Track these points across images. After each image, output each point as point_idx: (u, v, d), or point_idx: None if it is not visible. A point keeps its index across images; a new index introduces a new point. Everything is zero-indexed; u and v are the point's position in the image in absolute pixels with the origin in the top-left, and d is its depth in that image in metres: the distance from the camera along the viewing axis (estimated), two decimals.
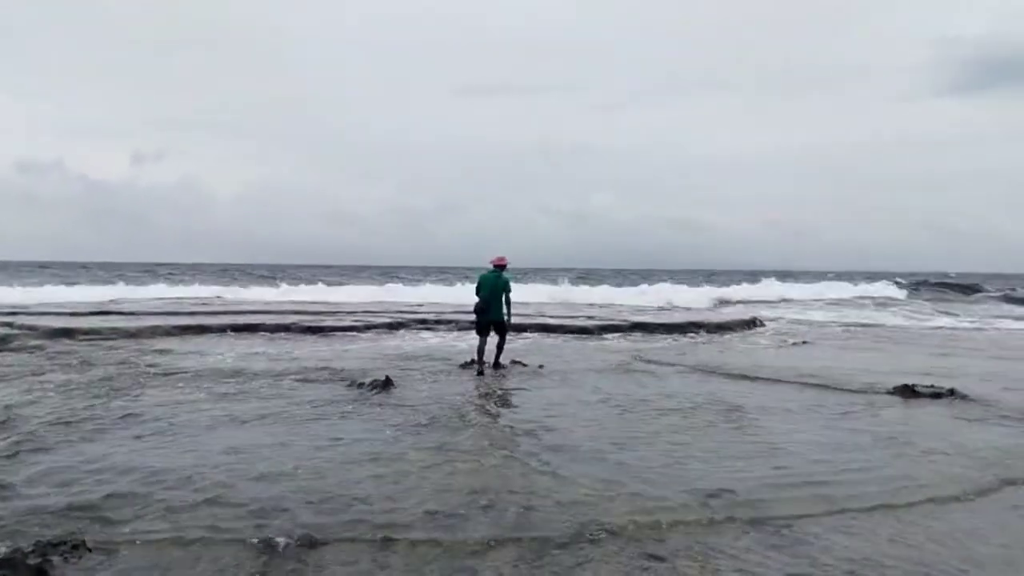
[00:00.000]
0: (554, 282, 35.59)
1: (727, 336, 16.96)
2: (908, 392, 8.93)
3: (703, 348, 14.30)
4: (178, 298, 25.48)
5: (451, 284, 35.73)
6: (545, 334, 16.05)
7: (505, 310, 10.82)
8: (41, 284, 28.99)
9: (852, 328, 20.59)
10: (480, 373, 10.31)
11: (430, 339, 14.95)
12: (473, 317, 11.23)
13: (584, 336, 16.03)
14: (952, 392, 8.81)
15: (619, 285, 39.64)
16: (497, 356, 10.99)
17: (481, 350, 10.73)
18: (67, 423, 6.71)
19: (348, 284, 34.63)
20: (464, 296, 28.12)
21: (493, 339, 10.96)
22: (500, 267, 10.89)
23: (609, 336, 16.15)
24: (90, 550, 3.79)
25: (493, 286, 10.76)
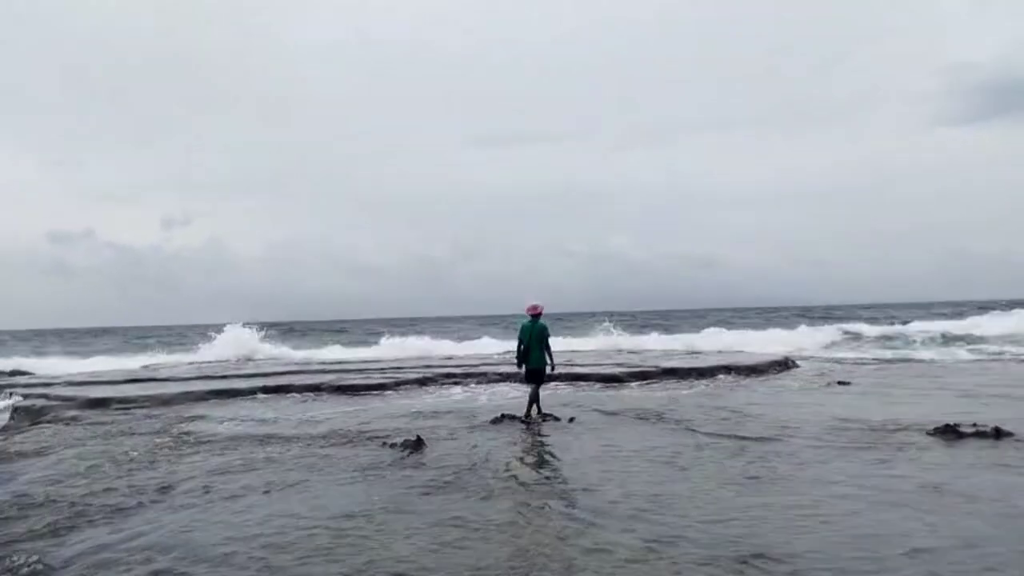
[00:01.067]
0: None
1: (760, 379, 16.73)
2: (950, 432, 8.69)
3: (734, 394, 14.09)
4: (207, 361, 25.77)
5: (497, 337, 34.48)
6: (574, 383, 15.96)
7: (548, 359, 11.18)
8: (79, 354, 29.30)
9: (890, 365, 20.24)
10: (539, 414, 11.04)
11: (459, 394, 14.92)
12: (517, 367, 11.58)
13: (614, 384, 15.89)
14: (997, 432, 8.56)
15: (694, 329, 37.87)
16: (528, 408, 11.08)
17: (532, 397, 11.17)
18: (104, 498, 6.76)
19: (384, 339, 33.85)
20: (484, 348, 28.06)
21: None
22: (536, 315, 11.18)
23: (639, 384, 16.01)
24: None
25: (530, 334, 11.09)
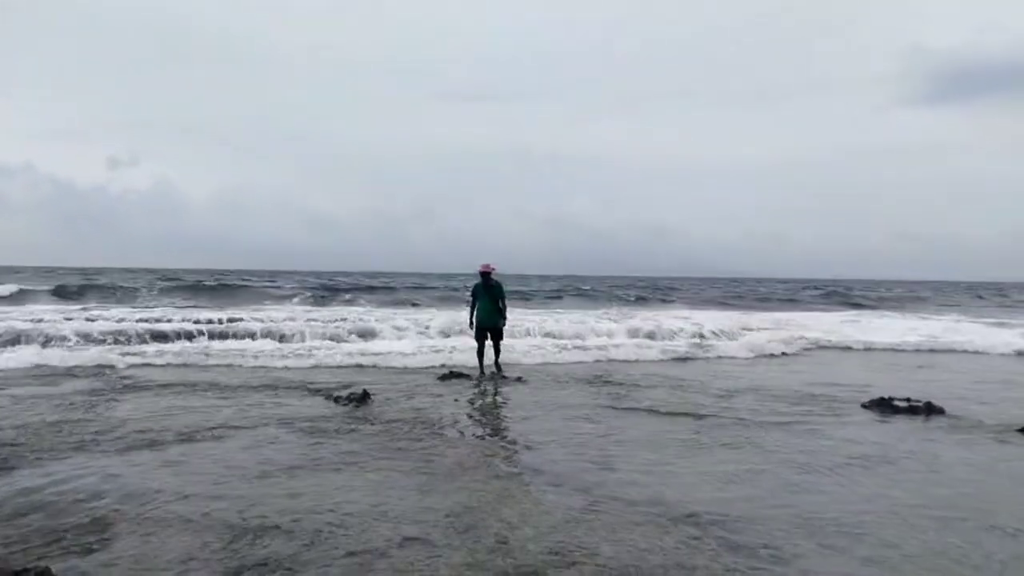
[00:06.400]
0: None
1: (707, 343, 16.99)
2: (885, 406, 8.95)
3: (681, 357, 14.32)
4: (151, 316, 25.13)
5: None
6: (528, 341, 15.99)
7: (501, 316, 11.57)
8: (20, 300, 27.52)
9: (833, 342, 20.75)
10: (481, 374, 11.25)
11: (407, 349, 14.84)
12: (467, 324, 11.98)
13: (567, 345, 15.98)
14: (929, 406, 8.84)
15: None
16: (496, 359, 11.64)
17: (481, 354, 11.59)
18: (37, 437, 6.58)
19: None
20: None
21: (490, 344, 11.71)
22: (487, 274, 11.54)
23: (593, 345, 16.12)
24: None
25: (488, 294, 11.46)
